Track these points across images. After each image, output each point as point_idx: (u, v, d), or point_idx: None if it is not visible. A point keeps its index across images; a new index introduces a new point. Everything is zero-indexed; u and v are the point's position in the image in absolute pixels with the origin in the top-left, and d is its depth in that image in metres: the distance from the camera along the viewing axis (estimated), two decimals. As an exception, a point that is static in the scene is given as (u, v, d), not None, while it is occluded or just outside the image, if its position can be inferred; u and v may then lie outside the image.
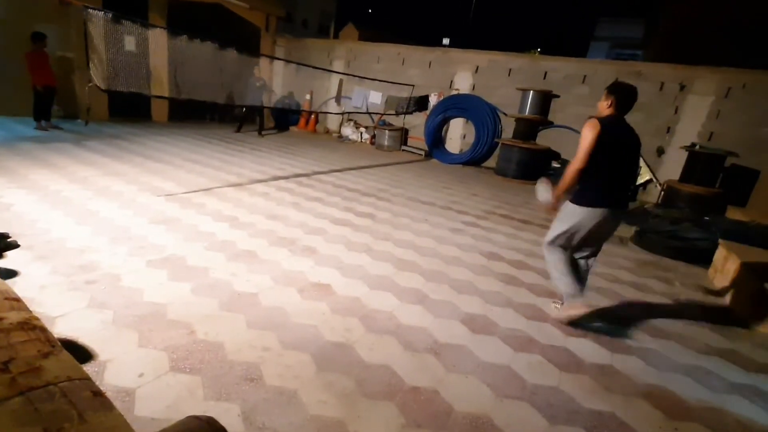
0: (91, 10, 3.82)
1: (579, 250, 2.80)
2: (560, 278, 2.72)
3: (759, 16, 10.54)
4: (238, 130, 10.01)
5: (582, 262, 2.83)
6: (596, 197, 2.53)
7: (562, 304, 2.88)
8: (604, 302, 3.22)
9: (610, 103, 2.53)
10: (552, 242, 2.75)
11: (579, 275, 2.76)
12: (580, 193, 2.59)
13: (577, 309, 2.65)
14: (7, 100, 7.62)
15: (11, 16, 7.41)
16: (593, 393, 2.13)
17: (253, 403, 1.74)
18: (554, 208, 2.70)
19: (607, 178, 2.52)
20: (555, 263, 2.74)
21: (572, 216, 2.60)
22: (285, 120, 12.23)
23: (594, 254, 2.82)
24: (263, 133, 10.14)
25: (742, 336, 2.98)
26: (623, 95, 2.51)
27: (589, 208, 2.54)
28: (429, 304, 2.84)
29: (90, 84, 3.98)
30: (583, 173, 2.49)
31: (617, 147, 2.50)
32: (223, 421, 1.17)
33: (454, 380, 2.08)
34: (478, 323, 2.68)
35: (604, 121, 2.48)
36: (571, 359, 2.41)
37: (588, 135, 2.44)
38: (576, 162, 2.49)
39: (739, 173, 7.24)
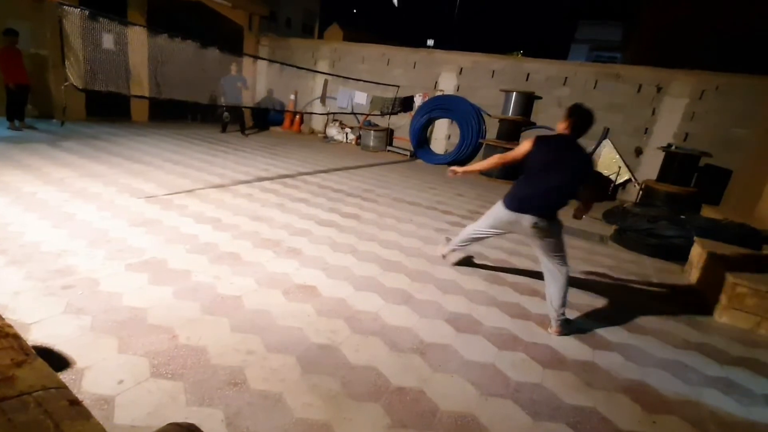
0: (66, 7, 3.71)
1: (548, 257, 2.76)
2: (461, 236, 3.33)
3: (733, 21, 10.92)
4: (223, 131, 9.86)
5: (551, 267, 2.75)
6: (512, 201, 2.78)
7: (448, 241, 3.57)
8: (585, 299, 3.29)
9: (567, 124, 2.66)
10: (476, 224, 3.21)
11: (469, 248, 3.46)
12: (508, 195, 2.85)
13: (455, 256, 3.54)
14: (-22, 98, 7.34)
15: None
16: (575, 389, 2.18)
17: (236, 407, 1.72)
18: (454, 173, 3.13)
19: (530, 188, 2.73)
20: (467, 234, 3.29)
21: (495, 212, 2.96)
22: (265, 120, 12.08)
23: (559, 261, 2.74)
24: (246, 133, 10.01)
25: (717, 330, 3.09)
26: (579, 119, 2.63)
27: (507, 210, 2.80)
28: (414, 304, 2.85)
29: (66, 83, 3.87)
30: (518, 178, 2.83)
31: (547, 164, 2.67)
32: (207, 427, 1.15)
33: (440, 380, 2.10)
34: (462, 322, 2.70)
35: (545, 139, 2.74)
36: (554, 356, 2.46)
37: (524, 146, 2.74)
38: (502, 158, 2.91)
39: (712, 173, 7.49)
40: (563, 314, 2.71)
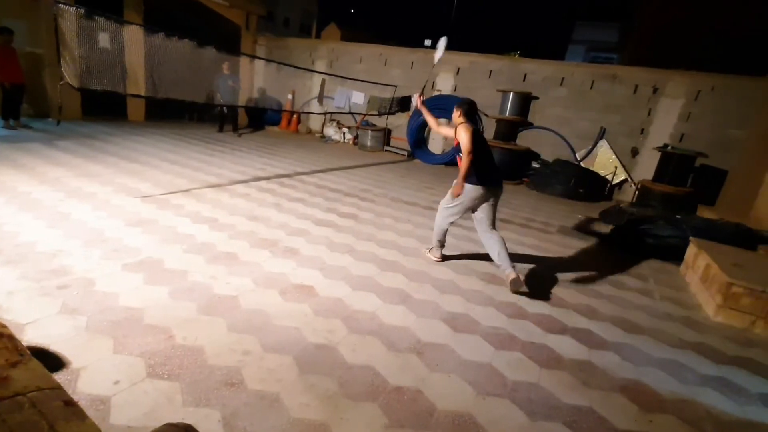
0: (62, 6, 3.68)
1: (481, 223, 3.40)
2: (438, 233, 3.62)
3: (731, 22, 10.99)
4: (220, 130, 9.84)
5: (492, 234, 3.35)
6: (480, 178, 3.25)
7: (431, 249, 3.76)
8: (580, 299, 3.30)
9: (459, 113, 3.32)
10: (447, 209, 3.52)
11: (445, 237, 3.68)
12: (471, 177, 3.29)
13: (435, 255, 3.71)
14: (-28, 97, 7.29)
15: (-24, 10, 7.09)
16: (572, 388, 2.18)
17: (233, 408, 1.71)
18: (459, 189, 3.43)
19: (484, 163, 3.27)
20: (440, 222, 3.59)
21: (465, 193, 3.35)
22: (261, 119, 12.06)
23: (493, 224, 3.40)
24: (239, 132, 9.98)
25: (712, 330, 3.11)
26: (468, 108, 3.34)
27: (476, 186, 3.27)
28: (412, 304, 2.85)
29: (62, 82, 3.84)
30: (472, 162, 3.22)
31: (482, 140, 3.32)
32: (203, 428, 1.15)
33: (437, 379, 2.10)
34: (460, 322, 2.70)
35: (470, 125, 3.24)
36: (550, 355, 2.46)
37: (468, 134, 3.14)
38: (469, 155, 3.15)
39: (708, 173, 7.53)
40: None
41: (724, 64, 8.56)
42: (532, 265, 3.88)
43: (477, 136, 3.22)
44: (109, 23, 4.15)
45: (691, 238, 4.38)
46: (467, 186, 3.28)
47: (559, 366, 2.37)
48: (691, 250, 4.21)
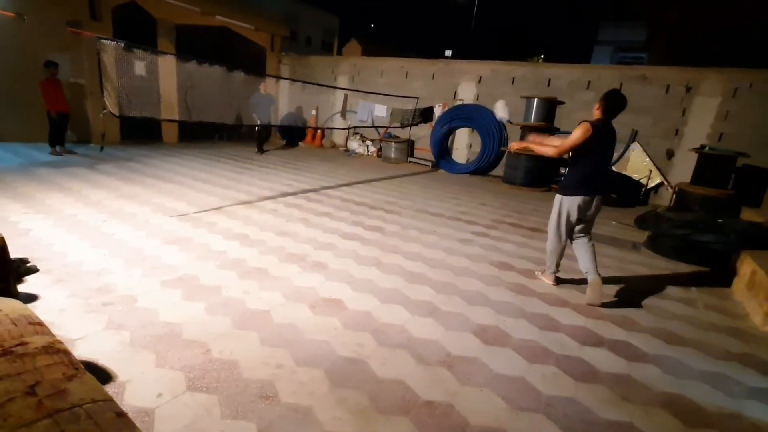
0: (104, 41, 3.97)
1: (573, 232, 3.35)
2: (548, 255, 3.50)
3: (760, 16, 10.50)
4: (259, 150, 9.80)
5: (583, 241, 3.32)
6: (577, 187, 3.18)
7: (543, 271, 3.66)
8: (617, 310, 3.19)
9: (598, 107, 3.11)
10: (551, 227, 3.41)
11: (561, 257, 3.48)
12: (567, 186, 3.25)
13: (548, 278, 3.57)
14: (23, 127, 7.90)
15: (26, 46, 7.71)
16: (610, 403, 2.11)
17: (269, 420, 1.76)
18: (518, 145, 3.72)
19: (589, 170, 3.13)
20: (547, 244, 3.48)
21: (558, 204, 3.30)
22: (294, 136, 12.39)
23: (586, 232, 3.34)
24: (264, 149, 10.10)
25: (761, 340, 2.92)
26: (609, 104, 3.07)
27: (572, 198, 3.19)
28: (440, 317, 2.84)
29: (104, 111, 4.12)
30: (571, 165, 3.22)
31: (598, 145, 3.09)
32: (241, 440, 1.19)
33: (469, 393, 2.08)
34: (490, 334, 2.67)
35: (594, 124, 3.04)
36: (586, 369, 2.39)
37: (578, 133, 3.01)
38: (558, 149, 3.13)
39: (751, 173, 7.14)
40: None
41: (759, 59, 8.17)
42: (563, 275, 3.78)
43: (591, 140, 3.01)
44: (146, 54, 4.43)
45: (735, 242, 4.16)
46: (563, 199, 3.22)
47: (595, 380, 2.30)
48: (736, 256, 3.99)
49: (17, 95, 7.73)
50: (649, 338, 2.81)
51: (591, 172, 3.13)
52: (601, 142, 3.07)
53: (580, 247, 3.32)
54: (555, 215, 3.32)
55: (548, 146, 3.26)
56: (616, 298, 3.38)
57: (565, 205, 3.24)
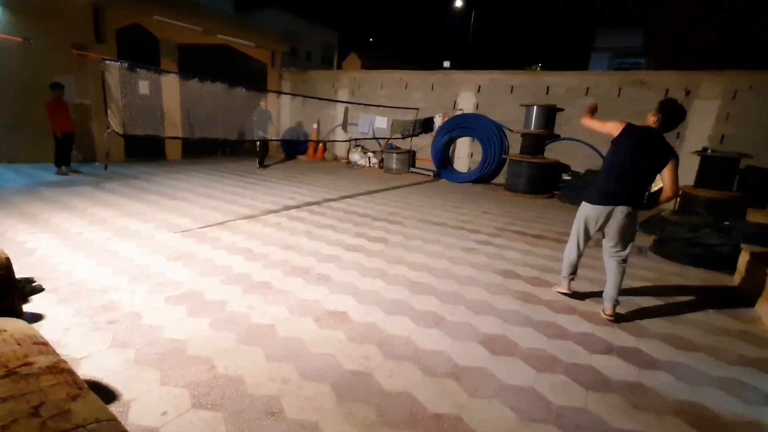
0: (108, 62, 4.04)
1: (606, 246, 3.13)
2: (564, 263, 3.37)
3: (758, 18, 10.56)
4: (261, 165, 9.89)
5: (612, 262, 3.09)
6: (597, 195, 3.01)
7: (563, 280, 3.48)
8: (626, 316, 3.15)
9: (654, 113, 2.87)
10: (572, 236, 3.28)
11: (576, 266, 3.34)
12: (590, 192, 3.09)
13: (562, 287, 3.45)
14: (30, 148, 8.01)
15: (31, 69, 7.86)
16: (623, 412, 2.06)
17: (275, 437, 1.73)
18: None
19: (611, 176, 2.95)
20: (565, 252, 3.34)
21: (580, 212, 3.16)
22: (293, 150, 12.51)
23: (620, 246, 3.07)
24: (266, 164, 10.18)
25: (776, 344, 2.87)
26: (667, 113, 2.82)
27: (591, 206, 3.03)
28: (446, 327, 2.81)
29: (109, 130, 4.17)
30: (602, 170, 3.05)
31: (633, 152, 2.85)
32: (247, 458, 1.17)
33: (477, 405, 2.04)
34: (497, 344, 2.63)
35: (634, 126, 2.89)
36: (597, 378, 2.35)
37: (620, 128, 2.91)
38: (587, 121, 3.14)
39: (756, 174, 7.09)
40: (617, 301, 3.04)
41: (757, 61, 8.19)
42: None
43: (621, 141, 2.86)
44: (149, 73, 4.50)
45: (742, 245, 4.11)
46: (582, 204, 3.11)
47: (607, 388, 2.25)
48: (744, 258, 3.94)
49: (24, 117, 7.86)
50: (659, 344, 2.76)
51: (613, 178, 2.92)
52: (635, 149, 2.83)
53: (608, 267, 3.11)
54: (575, 221, 3.19)
55: (589, 119, 3.17)
56: (622, 300, 3.33)
57: (583, 211, 3.11)
